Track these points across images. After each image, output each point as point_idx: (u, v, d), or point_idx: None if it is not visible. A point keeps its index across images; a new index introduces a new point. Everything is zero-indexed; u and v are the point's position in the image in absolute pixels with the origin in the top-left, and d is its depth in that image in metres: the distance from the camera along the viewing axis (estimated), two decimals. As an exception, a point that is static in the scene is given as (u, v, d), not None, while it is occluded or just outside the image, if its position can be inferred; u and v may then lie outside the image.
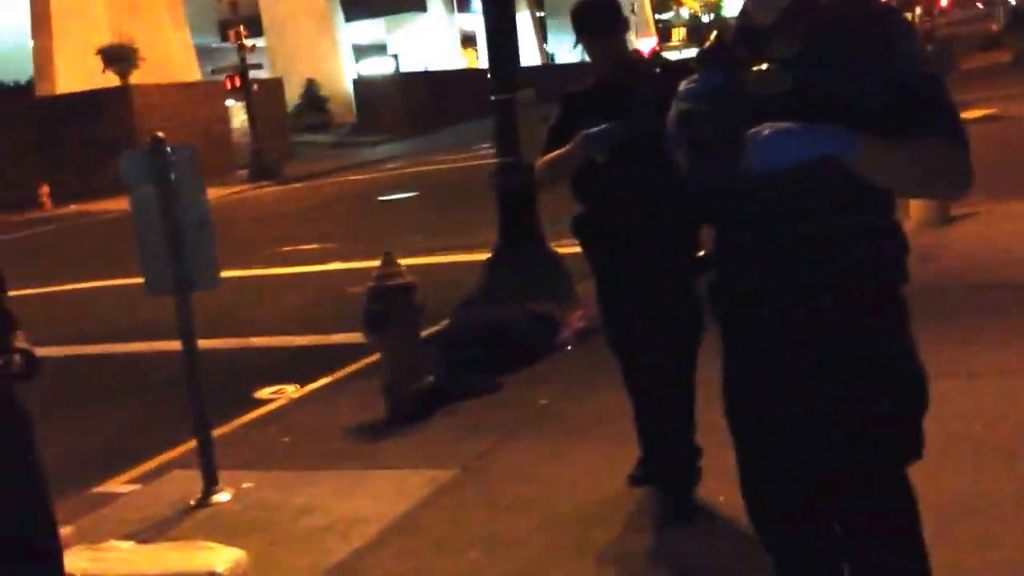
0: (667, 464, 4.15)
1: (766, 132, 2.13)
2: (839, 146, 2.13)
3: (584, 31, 3.94)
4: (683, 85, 2.34)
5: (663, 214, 3.76)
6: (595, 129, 3.71)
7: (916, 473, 2.46)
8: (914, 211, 9.18)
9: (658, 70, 3.89)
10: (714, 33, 2.47)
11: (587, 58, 4.13)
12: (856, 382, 2.32)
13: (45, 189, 26.38)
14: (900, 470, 2.41)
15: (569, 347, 6.88)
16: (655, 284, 3.92)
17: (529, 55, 50.13)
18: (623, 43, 4.02)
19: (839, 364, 2.32)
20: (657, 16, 74.42)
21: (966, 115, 18.14)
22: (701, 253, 2.50)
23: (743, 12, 2.38)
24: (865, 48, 2.19)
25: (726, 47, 2.39)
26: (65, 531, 4.01)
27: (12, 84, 34.92)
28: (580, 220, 4.08)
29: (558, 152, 3.91)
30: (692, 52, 3.09)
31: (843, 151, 2.13)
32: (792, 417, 2.39)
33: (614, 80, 3.92)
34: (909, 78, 2.19)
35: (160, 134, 4.71)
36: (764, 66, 2.22)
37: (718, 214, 2.42)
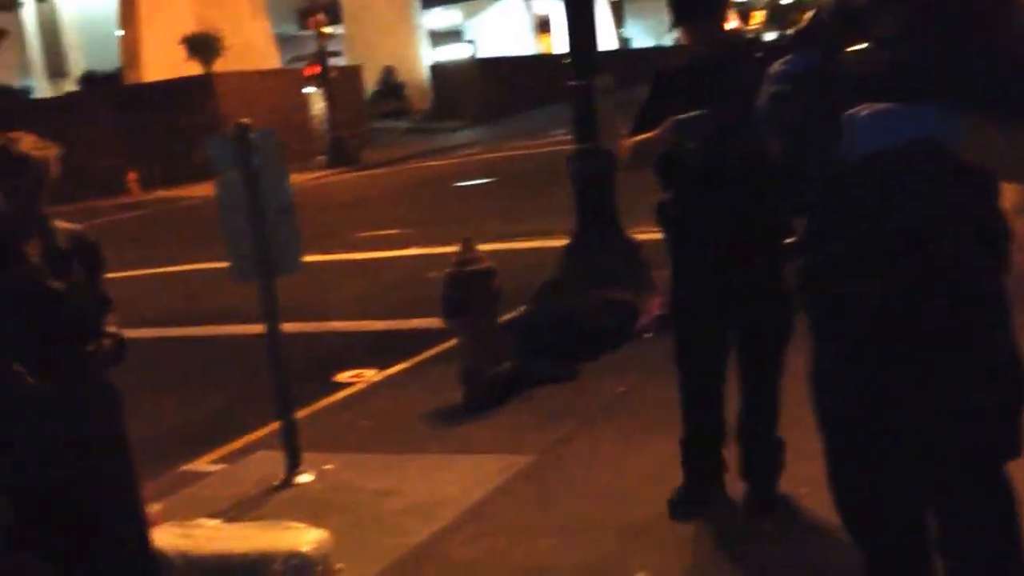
0: (751, 456, 4.07)
1: (864, 113, 2.04)
2: (942, 128, 2.03)
3: (683, 16, 3.81)
4: (775, 66, 2.26)
5: (753, 202, 3.61)
6: (686, 116, 3.59)
7: (1017, 472, 2.39)
8: (1008, 197, 8.97)
9: (760, 54, 3.68)
10: (810, 13, 2.40)
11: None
12: (957, 375, 2.25)
13: (133, 175, 26.93)
14: (999, 467, 2.34)
15: (647, 334, 6.85)
16: (743, 274, 3.78)
17: (606, 40, 49.82)
18: (719, 26, 3.87)
19: (939, 355, 2.25)
20: (736, -1, 73.40)
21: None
22: (790, 240, 2.43)
23: None
24: (970, 27, 2.10)
25: (823, 27, 2.30)
26: (154, 508, 4.13)
27: (101, 73, 35.66)
28: (666, 206, 3.96)
29: (645, 136, 3.79)
30: (771, 35, 2.99)
31: (946, 133, 2.04)
32: (889, 411, 2.33)
33: (711, 62, 3.77)
34: (1016, 57, 2.09)
35: (245, 120, 4.78)
36: (862, 46, 2.14)
37: (814, 200, 2.33)
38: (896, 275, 2.24)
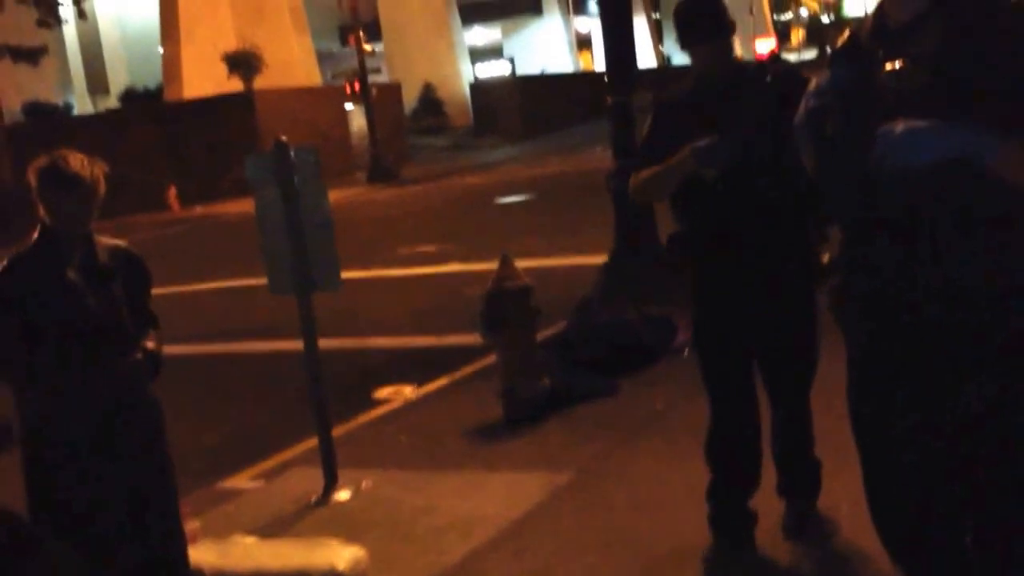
0: (788, 476, 4.00)
1: (900, 129, 2.06)
2: (978, 147, 2.04)
3: (687, 36, 3.65)
4: (814, 82, 2.29)
5: (784, 226, 3.54)
6: (705, 142, 3.42)
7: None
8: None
9: (769, 78, 3.62)
10: (848, 30, 2.41)
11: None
12: (1000, 391, 2.23)
13: (173, 191, 27.21)
14: None
15: (686, 351, 6.78)
16: (773, 300, 3.65)
17: (645, 57, 49.81)
18: (728, 48, 3.69)
19: (978, 371, 2.23)
20: (775, 17, 73.19)
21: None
22: (826, 257, 2.44)
23: (879, 9, 2.33)
24: (1008, 45, 2.11)
25: (860, 44, 2.33)
26: (192, 525, 4.13)
27: (143, 89, 36.13)
28: (680, 240, 3.78)
29: (661, 167, 3.60)
30: (811, 54, 2.99)
31: (981, 153, 2.04)
32: (930, 427, 2.31)
33: (718, 86, 3.62)
34: None
35: (283, 137, 4.80)
36: (899, 63, 2.14)
37: (850, 216, 2.35)
38: (933, 292, 2.22)
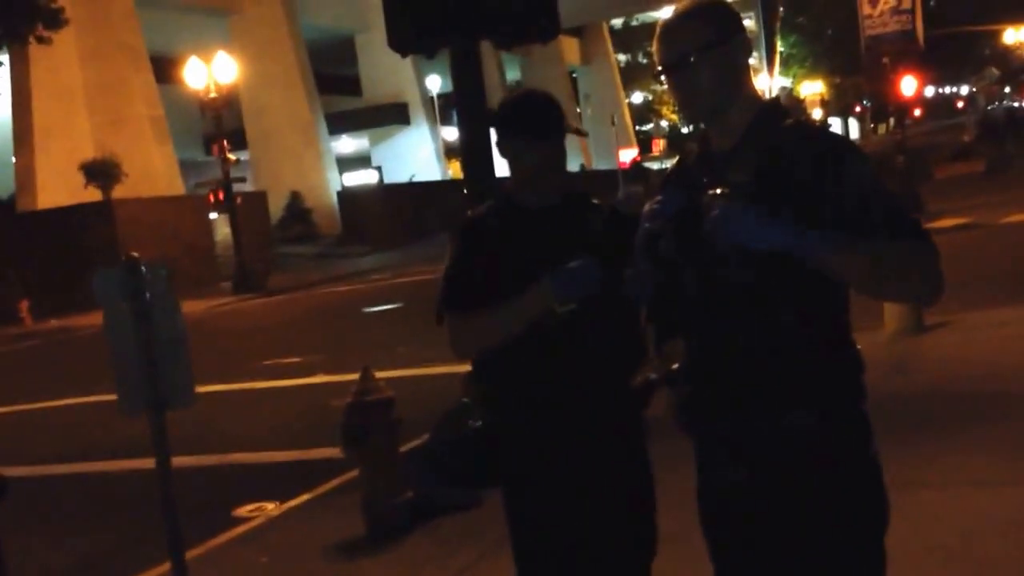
0: None
1: (717, 211, 2.19)
2: (791, 235, 2.17)
3: (524, 129, 2.83)
4: (647, 206, 2.38)
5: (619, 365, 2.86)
6: (564, 268, 2.63)
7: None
8: (888, 320, 9.21)
9: (596, 202, 2.96)
10: (678, 156, 2.55)
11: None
12: (818, 498, 2.32)
13: (25, 304, 26.32)
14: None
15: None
16: (605, 446, 2.85)
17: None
18: (563, 152, 2.92)
19: (800, 480, 2.32)
20: (637, 127, 75.83)
21: (940, 223, 18.51)
22: (675, 366, 2.49)
23: (703, 135, 2.46)
24: (817, 172, 2.25)
25: (688, 170, 2.47)
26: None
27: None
28: (512, 403, 2.91)
29: (500, 308, 2.74)
30: (672, 160, 3.03)
31: (795, 240, 2.17)
32: (758, 534, 2.38)
33: (556, 204, 2.87)
34: (863, 193, 2.24)
35: (134, 253, 4.69)
36: (719, 191, 2.26)
37: (686, 327, 2.45)
38: (751, 400, 2.34)
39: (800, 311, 2.29)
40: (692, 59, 2.32)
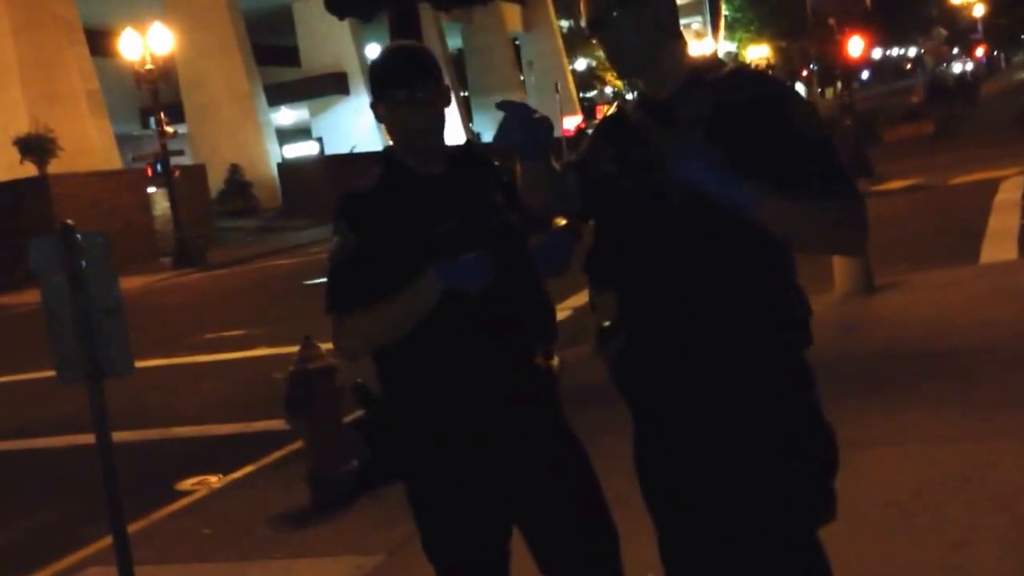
0: None
1: (680, 148, 2.25)
2: (741, 195, 2.19)
3: (398, 83, 2.54)
4: (574, 156, 2.50)
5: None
6: (451, 260, 2.45)
7: (841, 540, 2.44)
8: (839, 281, 9.29)
9: (497, 162, 2.72)
10: (615, 104, 2.58)
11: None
12: (761, 444, 2.32)
13: (-41, 282, 25.77)
14: (811, 535, 2.39)
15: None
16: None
17: (454, 134, 50.58)
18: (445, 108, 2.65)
19: (743, 426, 2.32)
20: (581, 94, 75.79)
21: (889, 185, 18.72)
22: (606, 324, 2.45)
23: (637, 89, 2.49)
24: (761, 114, 2.27)
25: (626, 117, 2.49)
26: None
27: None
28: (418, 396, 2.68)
29: (386, 307, 2.53)
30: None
31: (744, 201, 2.19)
32: (701, 485, 2.38)
33: (447, 169, 2.64)
34: (806, 136, 2.26)
35: (69, 221, 4.61)
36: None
37: (622, 276, 2.43)
38: (692, 347, 2.34)
39: (740, 246, 2.29)
40: (615, 14, 2.34)
